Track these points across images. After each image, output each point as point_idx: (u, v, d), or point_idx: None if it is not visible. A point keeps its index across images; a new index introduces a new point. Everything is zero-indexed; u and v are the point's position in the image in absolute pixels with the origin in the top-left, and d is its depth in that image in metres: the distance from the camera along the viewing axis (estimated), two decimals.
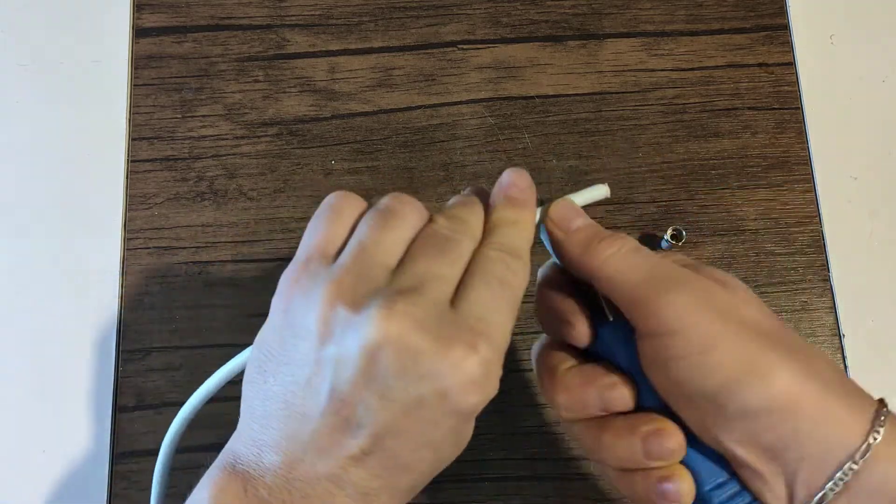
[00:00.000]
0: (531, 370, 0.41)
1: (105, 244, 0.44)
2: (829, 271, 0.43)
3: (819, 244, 0.43)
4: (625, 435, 0.27)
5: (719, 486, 0.27)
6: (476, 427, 0.41)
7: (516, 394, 0.41)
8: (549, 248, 0.31)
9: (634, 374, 0.28)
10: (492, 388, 0.25)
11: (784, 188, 0.44)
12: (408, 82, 0.46)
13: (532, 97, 0.45)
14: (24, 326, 0.43)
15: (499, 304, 0.26)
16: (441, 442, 0.25)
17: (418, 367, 0.24)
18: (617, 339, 0.29)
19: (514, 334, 0.41)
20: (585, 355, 0.30)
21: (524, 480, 0.40)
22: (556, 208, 0.31)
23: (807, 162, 0.44)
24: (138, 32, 0.47)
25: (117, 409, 0.41)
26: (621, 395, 0.28)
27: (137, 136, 0.45)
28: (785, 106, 0.45)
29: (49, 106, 0.46)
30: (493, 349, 0.25)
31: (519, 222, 0.29)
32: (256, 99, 0.46)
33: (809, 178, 0.44)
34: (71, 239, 0.44)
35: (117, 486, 0.41)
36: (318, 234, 0.27)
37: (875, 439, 0.24)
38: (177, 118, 0.45)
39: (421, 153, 0.45)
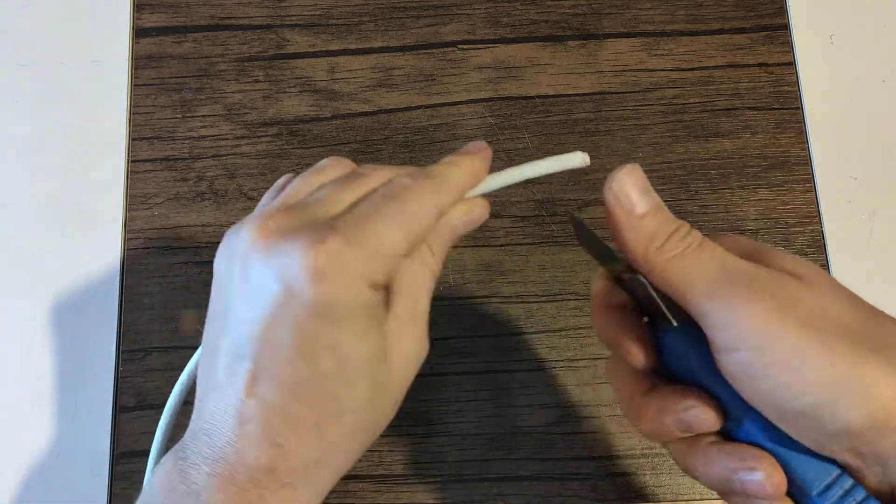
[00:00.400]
0: (531, 370, 0.41)
1: (105, 244, 0.44)
2: (829, 271, 0.43)
3: (819, 244, 0.43)
4: (716, 464, 0.25)
5: (828, 487, 0.24)
6: (476, 427, 0.41)
7: (516, 394, 0.41)
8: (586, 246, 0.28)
9: (713, 384, 0.25)
10: (344, 284, 0.24)
11: (784, 188, 0.44)
12: (408, 82, 0.46)
13: (532, 97, 0.45)
14: (24, 326, 0.43)
15: (375, 212, 0.25)
16: (322, 358, 0.24)
17: (271, 267, 0.24)
18: (686, 345, 0.26)
19: (512, 333, 0.42)
20: (660, 370, 0.27)
21: (524, 480, 0.40)
22: (621, 180, 0.26)
23: (807, 162, 0.44)
24: (138, 32, 0.47)
25: (117, 409, 0.41)
26: (702, 417, 0.25)
27: (137, 136, 0.45)
28: (785, 106, 0.45)
29: (49, 106, 0.46)
30: (347, 244, 0.24)
31: (448, 175, 0.28)
32: (256, 99, 0.46)
33: (809, 178, 0.44)
34: (71, 239, 0.44)
35: (117, 486, 0.41)
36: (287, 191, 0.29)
37: None
38: (177, 118, 0.45)
39: (421, 153, 0.45)
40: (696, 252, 0.25)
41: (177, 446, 0.26)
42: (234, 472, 0.24)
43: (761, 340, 0.23)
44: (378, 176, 0.28)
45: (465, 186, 0.28)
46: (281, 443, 0.24)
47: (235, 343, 0.25)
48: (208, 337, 0.27)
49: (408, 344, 0.27)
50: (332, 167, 0.29)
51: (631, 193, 0.26)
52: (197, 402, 0.26)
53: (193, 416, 0.26)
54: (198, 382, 0.27)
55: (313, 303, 0.24)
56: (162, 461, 0.26)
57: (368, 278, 0.24)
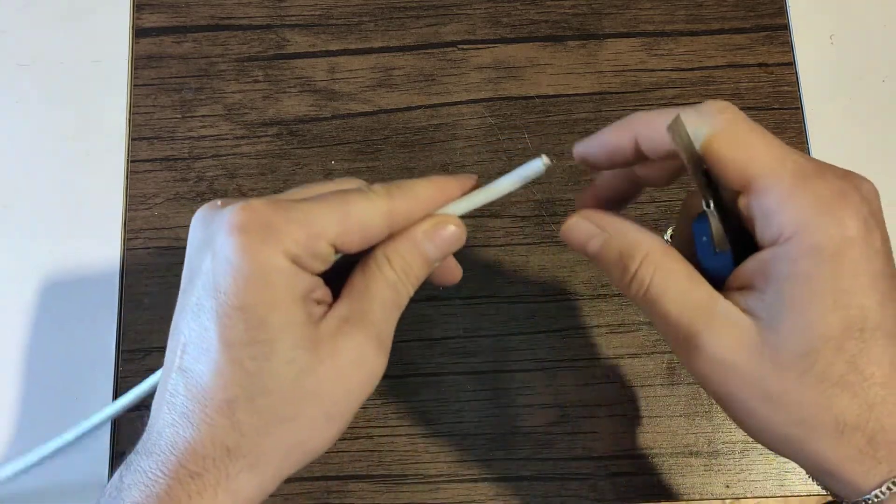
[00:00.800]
0: (531, 370, 0.41)
1: (105, 244, 0.44)
2: None
3: None
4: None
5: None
6: (476, 427, 0.41)
7: (516, 394, 0.41)
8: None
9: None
10: (259, 242, 0.23)
11: None
12: (408, 82, 0.46)
13: (532, 97, 0.45)
14: (25, 326, 0.43)
15: (316, 197, 0.26)
16: (233, 322, 0.23)
17: (205, 231, 0.25)
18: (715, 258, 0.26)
19: (512, 333, 0.42)
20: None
21: (524, 480, 0.40)
22: (567, 227, 0.29)
23: None
24: (138, 32, 0.47)
25: None
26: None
27: (137, 136, 0.45)
28: (785, 106, 0.45)
29: (49, 106, 0.46)
30: (271, 208, 0.24)
31: (408, 187, 0.28)
32: (256, 99, 0.46)
33: None
34: (71, 239, 0.44)
35: None
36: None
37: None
38: (177, 118, 0.45)
39: (421, 153, 0.45)
40: (648, 294, 0.26)
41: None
42: (151, 459, 0.24)
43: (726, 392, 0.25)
44: (348, 182, 0.28)
45: (426, 199, 0.27)
46: (193, 421, 0.23)
47: (183, 318, 0.25)
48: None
49: (349, 350, 0.25)
50: (325, 183, 0.29)
51: (578, 240, 0.28)
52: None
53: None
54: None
55: (228, 258, 0.23)
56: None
57: (287, 247, 0.24)
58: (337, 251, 0.26)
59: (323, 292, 0.26)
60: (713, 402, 0.41)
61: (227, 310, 0.23)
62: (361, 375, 0.26)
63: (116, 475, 0.25)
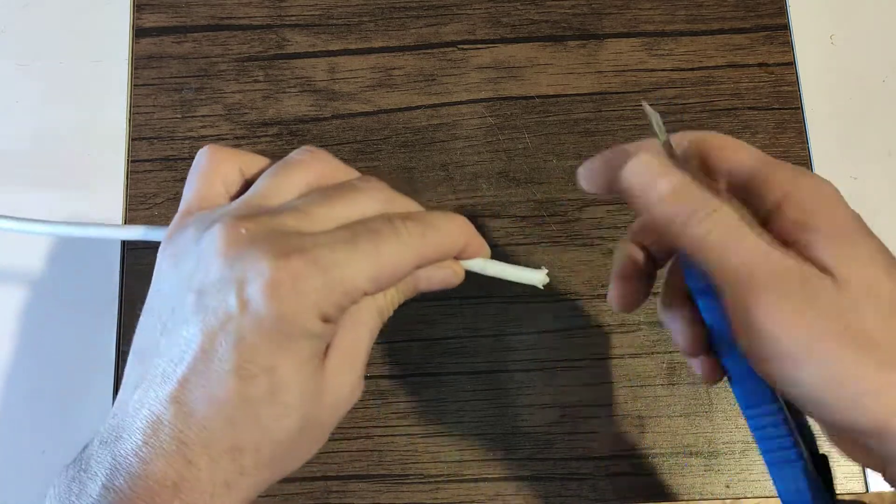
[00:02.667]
0: (531, 370, 0.41)
1: (105, 244, 0.44)
2: None
3: None
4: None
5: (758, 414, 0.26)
6: (476, 427, 0.41)
7: (516, 394, 0.41)
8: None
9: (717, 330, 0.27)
10: (296, 308, 0.23)
11: None
12: (408, 82, 0.46)
13: (532, 97, 0.45)
14: (24, 326, 0.43)
15: (352, 244, 0.24)
16: (257, 381, 0.23)
17: (231, 272, 0.23)
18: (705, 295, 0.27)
19: (511, 334, 0.42)
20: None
21: (524, 480, 0.40)
22: (632, 170, 0.24)
23: (807, 162, 0.44)
24: (138, 32, 0.47)
25: None
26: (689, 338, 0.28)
27: (137, 136, 0.45)
28: (785, 106, 0.45)
29: (49, 106, 0.46)
30: (311, 268, 0.23)
31: (443, 230, 0.26)
32: (256, 99, 0.46)
33: None
34: (71, 239, 0.44)
35: None
36: (189, 190, 0.28)
37: None
38: (177, 118, 0.45)
39: (421, 153, 0.45)
40: (731, 231, 0.23)
41: (78, 454, 0.24)
42: (133, 486, 0.23)
43: (770, 332, 0.22)
44: (368, 196, 0.26)
45: (454, 246, 0.27)
46: (191, 459, 0.23)
47: (177, 345, 0.24)
48: (144, 330, 0.26)
49: (343, 383, 0.26)
50: (310, 163, 0.27)
51: (649, 179, 0.24)
52: (117, 400, 0.25)
53: (108, 417, 0.25)
54: (124, 377, 0.25)
55: (262, 319, 0.23)
56: (59, 472, 0.24)
57: (322, 310, 0.23)
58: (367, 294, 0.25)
59: (336, 330, 0.26)
60: (713, 401, 0.41)
61: (252, 368, 0.23)
62: (349, 405, 0.27)
63: (70, 481, 0.24)
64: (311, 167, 0.27)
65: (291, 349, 0.23)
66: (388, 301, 0.27)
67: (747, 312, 0.23)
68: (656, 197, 0.24)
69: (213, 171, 0.28)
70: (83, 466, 0.24)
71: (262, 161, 0.29)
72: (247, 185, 0.28)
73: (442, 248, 0.26)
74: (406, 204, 0.27)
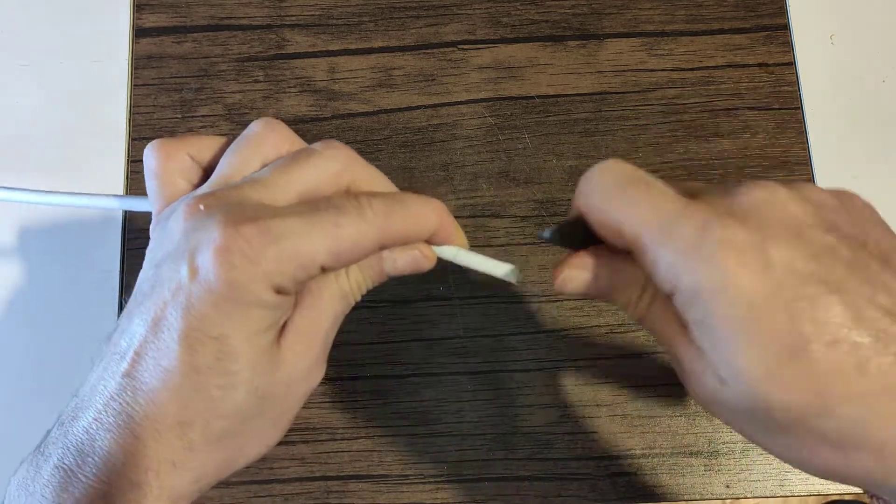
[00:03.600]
0: (531, 370, 0.41)
1: (105, 244, 0.44)
2: None
3: None
4: None
5: None
6: (476, 427, 0.41)
7: (516, 394, 0.41)
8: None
9: None
10: (247, 276, 0.22)
11: None
12: (408, 82, 0.46)
13: (532, 97, 0.45)
14: (24, 326, 0.43)
15: (309, 217, 0.23)
16: (204, 349, 0.23)
17: (186, 243, 0.23)
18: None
19: (512, 333, 0.42)
20: None
21: (524, 480, 0.40)
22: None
23: (807, 162, 0.44)
24: (138, 32, 0.47)
25: None
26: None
27: (137, 136, 0.45)
28: (785, 106, 0.45)
29: (49, 106, 0.46)
30: (263, 236, 0.22)
31: (410, 210, 0.26)
32: (256, 99, 0.46)
33: (809, 178, 0.44)
34: (71, 239, 0.44)
35: None
36: (151, 194, 0.28)
37: None
38: (177, 118, 0.45)
39: (421, 153, 0.45)
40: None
41: (41, 439, 0.25)
42: (80, 464, 0.23)
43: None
44: (329, 158, 0.25)
45: (422, 227, 0.26)
46: (137, 434, 0.23)
47: (135, 322, 0.24)
48: (123, 314, 0.26)
49: (298, 362, 0.25)
50: (267, 135, 0.27)
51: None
52: (82, 382, 0.25)
53: (70, 399, 0.25)
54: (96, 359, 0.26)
55: (211, 285, 0.22)
56: (22, 460, 0.25)
57: (275, 280, 0.23)
58: (325, 270, 0.25)
59: (292, 306, 0.25)
60: None
61: (200, 336, 0.22)
62: (307, 387, 0.26)
63: (28, 465, 0.24)
64: (268, 138, 0.27)
65: (242, 318, 0.23)
66: (352, 284, 0.26)
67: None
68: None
69: (164, 169, 0.27)
70: (41, 450, 0.24)
71: (212, 141, 0.28)
72: (206, 168, 0.28)
73: (408, 228, 0.25)
74: (368, 169, 0.27)
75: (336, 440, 0.41)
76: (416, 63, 0.46)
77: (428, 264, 0.27)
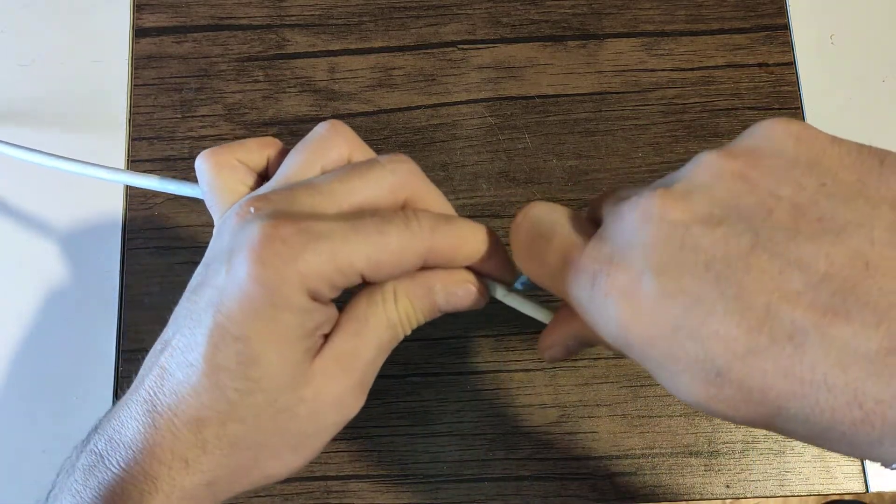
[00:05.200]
0: (531, 370, 0.41)
1: (105, 244, 0.44)
2: None
3: None
4: None
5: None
6: (476, 427, 0.41)
7: (516, 394, 0.41)
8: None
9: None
10: (279, 276, 0.22)
11: None
12: (408, 82, 0.46)
13: (532, 97, 0.45)
14: (24, 326, 0.43)
15: (353, 224, 0.23)
16: (226, 347, 0.22)
17: (230, 242, 0.23)
18: None
19: (512, 333, 0.42)
20: None
21: (524, 480, 0.40)
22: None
23: None
24: (138, 32, 0.47)
25: None
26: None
27: (137, 136, 0.45)
28: (785, 106, 0.45)
29: (49, 106, 0.46)
30: (300, 236, 0.22)
31: (457, 231, 0.25)
32: (256, 99, 0.46)
33: None
34: (71, 239, 0.44)
35: None
36: (210, 205, 0.28)
37: None
38: (177, 118, 0.45)
39: (421, 153, 0.45)
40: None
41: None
42: (107, 449, 0.23)
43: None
44: (389, 171, 0.25)
45: (471, 251, 0.25)
46: (157, 424, 0.23)
47: (179, 314, 0.24)
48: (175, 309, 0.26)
49: (333, 387, 0.24)
50: (333, 139, 0.26)
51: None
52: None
53: None
54: None
55: (241, 283, 0.22)
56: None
57: (310, 284, 0.22)
58: (366, 280, 0.24)
59: (332, 321, 0.25)
60: None
61: (224, 334, 0.22)
62: (338, 417, 0.25)
63: (77, 449, 0.25)
64: (333, 142, 0.26)
65: (269, 321, 0.22)
66: (402, 315, 0.25)
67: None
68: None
69: (217, 177, 0.27)
70: (86, 437, 0.25)
71: (258, 144, 0.28)
72: (257, 170, 0.28)
73: (454, 247, 0.25)
74: (428, 186, 0.26)
75: (336, 440, 0.41)
76: (416, 63, 0.46)
77: (480, 299, 0.26)
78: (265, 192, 0.25)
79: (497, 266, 0.26)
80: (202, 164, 0.28)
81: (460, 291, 0.26)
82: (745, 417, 0.20)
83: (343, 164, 0.26)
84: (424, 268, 0.25)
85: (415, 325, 0.26)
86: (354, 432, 0.41)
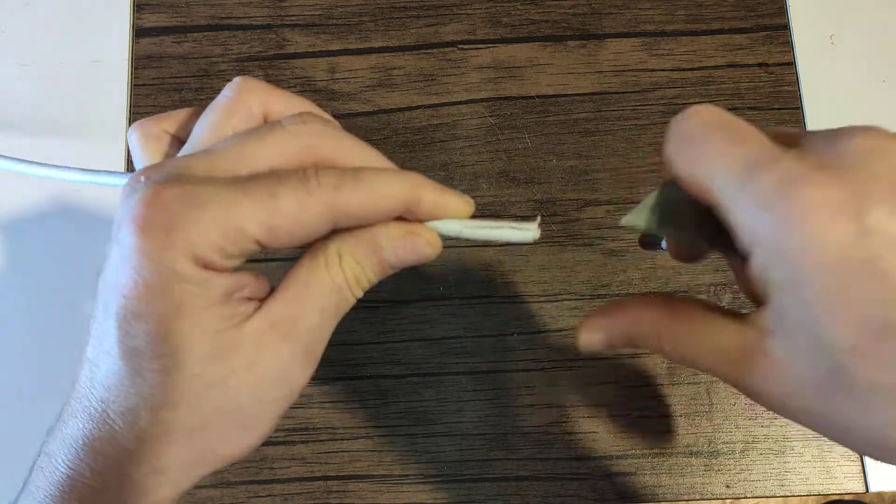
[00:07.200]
0: (531, 370, 0.41)
1: (105, 244, 0.44)
2: None
3: None
4: None
5: None
6: (476, 427, 0.41)
7: (516, 394, 0.41)
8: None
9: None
10: (162, 246, 0.20)
11: None
12: (408, 82, 0.46)
13: (532, 97, 0.45)
14: (25, 326, 0.43)
15: (244, 187, 0.21)
16: (135, 326, 0.21)
17: (118, 215, 0.22)
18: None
19: (512, 333, 0.42)
20: None
21: (524, 480, 0.40)
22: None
23: None
24: (138, 32, 0.47)
25: None
26: None
27: None
28: (785, 106, 0.45)
29: (49, 106, 0.46)
30: (182, 201, 0.20)
31: (368, 184, 0.22)
32: None
33: None
34: (72, 239, 0.44)
35: None
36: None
37: None
38: None
39: (421, 153, 0.45)
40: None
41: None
42: (58, 444, 0.23)
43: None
44: (292, 135, 0.23)
45: (387, 200, 0.23)
46: (95, 419, 0.22)
47: (97, 299, 0.23)
48: None
49: (270, 364, 0.22)
50: (241, 100, 0.24)
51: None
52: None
53: None
54: None
55: (128, 258, 0.21)
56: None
57: (196, 251, 0.20)
58: (264, 246, 0.22)
59: (255, 286, 0.23)
60: (713, 401, 0.41)
61: (128, 316, 0.21)
62: (282, 390, 0.23)
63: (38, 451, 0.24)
64: (241, 103, 0.24)
65: (165, 293, 0.21)
66: (349, 277, 0.23)
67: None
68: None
69: (144, 149, 0.26)
70: (45, 437, 0.24)
71: (192, 113, 0.26)
72: (181, 139, 0.26)
73: (364, 203, 0.22)
74: (343, 144, 0.24)
75: (336, 440, 0.41)
76: (416, 63, 0.46)
77: (430, 249, 0.24)
78: (161, 161, 0.23)
79: (434, 206, 0.24)
80: (131, 135, 0.26)
81: (407, 244, 0.24)
82: (877, 382, 0.19)
83: (258, 122, 0.25)
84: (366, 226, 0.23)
85: (366, 287, 0.24)
86: (354, 432, 0.41)
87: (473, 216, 0.25)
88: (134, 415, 0.21)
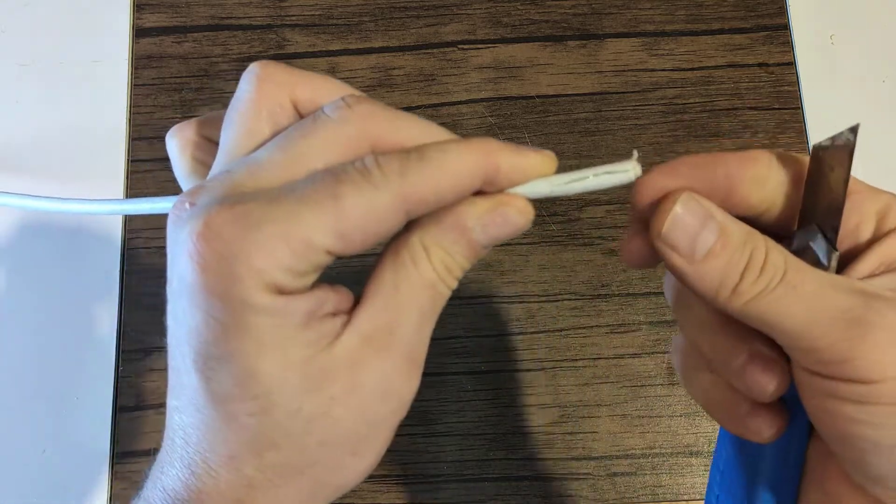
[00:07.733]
0: (531, 370, 0.41)
1: (105, 244, 0.44)
2: None
3: None
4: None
5: None
6: (476, 427, 0.41)
7: (516, 394, 0.41)
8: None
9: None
10: (226, 279, 0.18)
11: None
12: (408, 82, 0.46)
13: (532, 97, 0.45)
14: (25, 326, 0.43)
15: (301, 195, 0.19)
16: (216, 373, 0.19)
17: (170, 251, 0.20)
18: None
19: (512, 333, 0.42)
20: None
21: (524, 480, 0.40)
22: (670, 222, 0.20)
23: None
24: (138, 32, 0.47)
25: (117, 409, 0.41)
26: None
27: (137, 136, 0.45)
28: (785, 106, 0.45)
29: (49, 106, 0.46)
30: (237, 227, 0.18)
31: (436, 161, 0.20)
32: None
33: None
34: (71, 239, 0.44)
35: (117, 486, 0.41)
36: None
37: None
38: (177, 118, 0.45)
39: None
40: (779, 291, 0.19)
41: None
42: (157, 494, 0.21)
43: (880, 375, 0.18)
44: (338, 123, 0.20)
45: (460, 176, 0.20)
46: (198, 474, 0.20)
47: (169, 342, 0.21)
48: None
49: (373, 382, 0.20)
50: (264, 92, 0.21)
51: (685, 233, 0.20)
52: None
53: None
54: None
55: (193, 298, 0.18)
56: None
57: (267, 277, 0.18)
58: (338, 256, 0.20)
59: (336, 300, 0.20)
60: None
61: (208, 361, 0.19)
62: (390, 406, 0.21)
63: (135, 499, 0.22)
64: (265, 96, 0.21)
65: (241, 330, 0.18)
66: (438, 269, 0.20)
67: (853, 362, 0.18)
68: (702, 252, 0.20)
69: (181, 158, 0.24)
70: (141, 484, 0.22)
71: (220, 117, 0.23)
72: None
73: (438, 183, 0.19)
74: (397, 121, 0.21)
75: None
76: (416, 63, 0.46)
77: (524, 218, 0.21)
78: (201, 182, 0.20)
79: (516, 171, 0.21)
80: (169, 141, 0.24)
81: (497, 218, 0.21)
82: None
83: (290, 113, 0.22)
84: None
85: (459, 276, 0.21)
86: None
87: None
88: (238, 462, 0.20)
